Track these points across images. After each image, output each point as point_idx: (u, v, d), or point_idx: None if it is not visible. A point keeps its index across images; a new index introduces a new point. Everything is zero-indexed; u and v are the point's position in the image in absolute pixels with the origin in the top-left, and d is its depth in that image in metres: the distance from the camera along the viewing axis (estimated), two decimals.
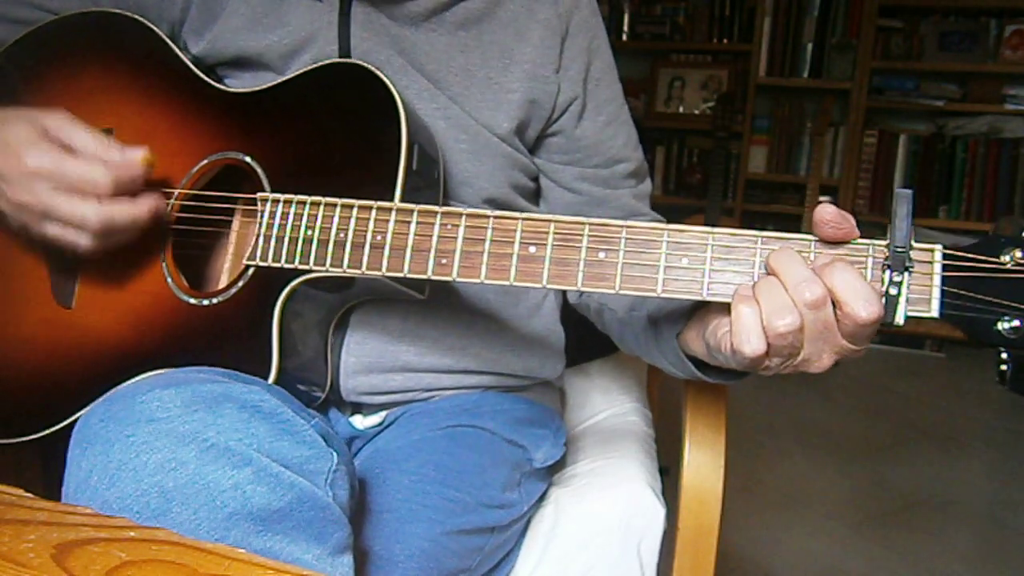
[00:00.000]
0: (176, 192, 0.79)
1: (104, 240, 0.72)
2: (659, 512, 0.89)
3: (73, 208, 0.69)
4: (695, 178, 3.77)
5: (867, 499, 2.24)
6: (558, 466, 0.99)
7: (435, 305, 0.81)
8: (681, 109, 3.79)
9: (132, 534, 0.46)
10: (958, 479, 2.39)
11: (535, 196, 0.94)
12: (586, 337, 1.03)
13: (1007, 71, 3.32)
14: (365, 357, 0.82)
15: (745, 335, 0.57)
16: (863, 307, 0.55)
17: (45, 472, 0.94)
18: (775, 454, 2.46)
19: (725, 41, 3.69)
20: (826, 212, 0.58)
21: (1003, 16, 3.32)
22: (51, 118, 0.72)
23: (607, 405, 1.19)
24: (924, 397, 3.02)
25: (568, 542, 0.88)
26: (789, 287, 0.56)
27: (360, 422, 0.87)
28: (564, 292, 0.99)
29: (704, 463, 0.89)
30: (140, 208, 0.72)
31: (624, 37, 3.78)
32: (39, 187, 0.69)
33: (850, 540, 2.02)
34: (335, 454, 0.61)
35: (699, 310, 0.69)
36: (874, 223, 3.44)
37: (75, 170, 0.69)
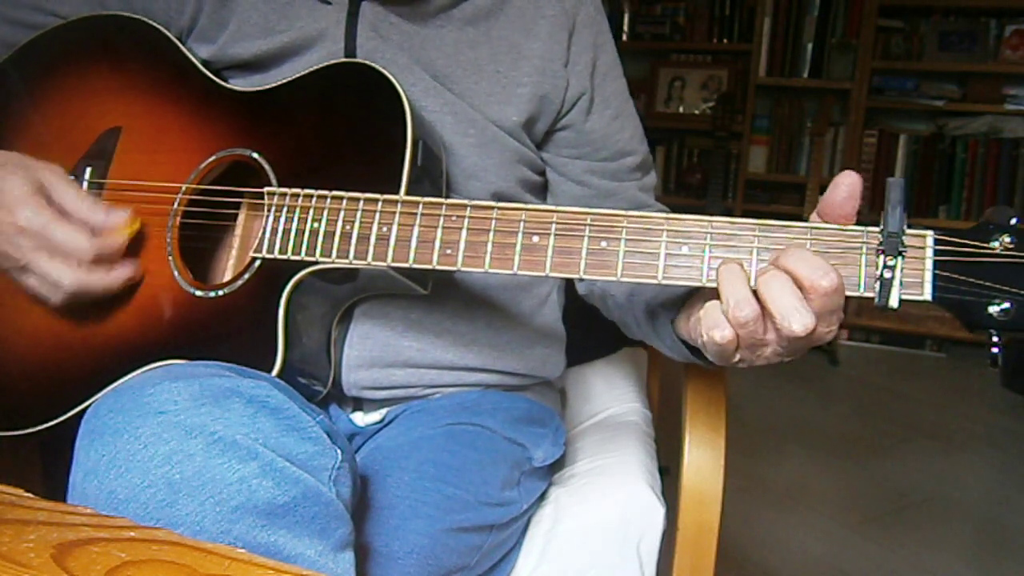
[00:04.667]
0: (184, 187, 0.80)
1: (75, 300, 0.75)
2: (659, 511, 0.89)
3: (51, 269, 0.72)
4: (695, 178, 3.77)
5: (867, 499, 2.24)
6: (558, 465, 0.99)
7: (439, 301, 0.82)
8: (681, 109, 3.80)
9: (132, 534, 0.46)
10: (958, 479, 2.39)
11: (541, 191, 0.95)
12: (587, 337, 1.03)
13: (1007, 71, 3.32)
14: (368, 351, 0.83)
15: (713, 320, 0.60)
16: (821, 276, 0.57)
17: (45, 472, 0.94)
18: (775, 454, 2.46)
19: (725, 41, 3.69)
20: (850, 177, 0.59)
21: (1003, 16, 3.32)
22: (47, 173, 0.75)
23: (607, 405, 1.19)
24: (924, 397, 3.02)
25: (568, 541, 0.88)
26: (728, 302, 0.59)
27: (361, 419, 0.88)
28: (567, 291, 1.00)
29: (704, 463, 0.89)
30: (114, 279, 0.75)
31: (624, 37, 3.78)
32: (23, 243, 0.72)
33: (850, 540, 2.02)
34: (339, 451, 0.62)
35: (691, 297, 0.71)
36: (874, 223, 3.43)
37: (59, 235, 0.72)
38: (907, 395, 3.05)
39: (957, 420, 2.83)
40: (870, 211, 3.49)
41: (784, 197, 3.64)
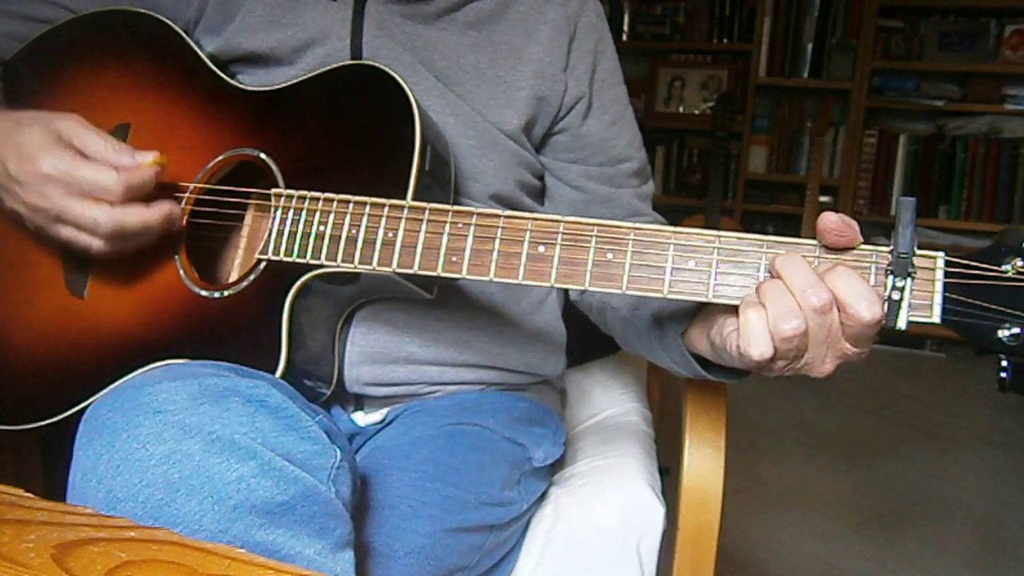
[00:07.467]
0: (191, 186, 0.80)
1: (117, 243, 0.73)
2: (658, 511, 0.89)
3: (85, 212, 0.70)
4: (695, 178, 3.77)
5: (867, 499, 2.24)
6: (558, 466, 0.99)
7: (440, 299, 0.82)
8: (681, 109, 3.80)
9: (132, 534, 0.46)
10: (958, 479, 2.39)
11: (540, 195, 0.95)
12: (587, 337, 1.03)
13: (1007, 71, 3.32)
14: (369, 348, 0.83)
15: (752, 338, 0.58)
16: (866, 308, 0.56)
17: (45, 472, 0.94)
18: (775, 454, 2.46)
19: (725, 41, 3.69)
20: (829, 221, 0.58)
21: (1003, 16, 3.32)
22: (64, 121, 0.73)
23: (607, 405, 1.19)
24: (924, 397, 3.02)
25: (568, 541, 0.88)
26: (795, 292, 0.57)
27: (362, 419, 0.88)
28: (566, 292, 1.00)
29: (704, 463, 0.89)
30: (152, 213, 0.74)
31: (624, 37, 3.78)
32: (52, 191, 0.70)
33: (850, 540, 2.02)
34: (338, 450, 0.62)
35: (704, 309, 0.70)
36: (874, 223, 3.45)
37: (87, 175, 0.70)
38: (907, 395, 3.05)
39: (957, 420, 2.83)
40: (870, 212, 3.49)
41: (784, 197, 3.64)
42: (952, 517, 2.17)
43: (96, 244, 0.72)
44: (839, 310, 0.57)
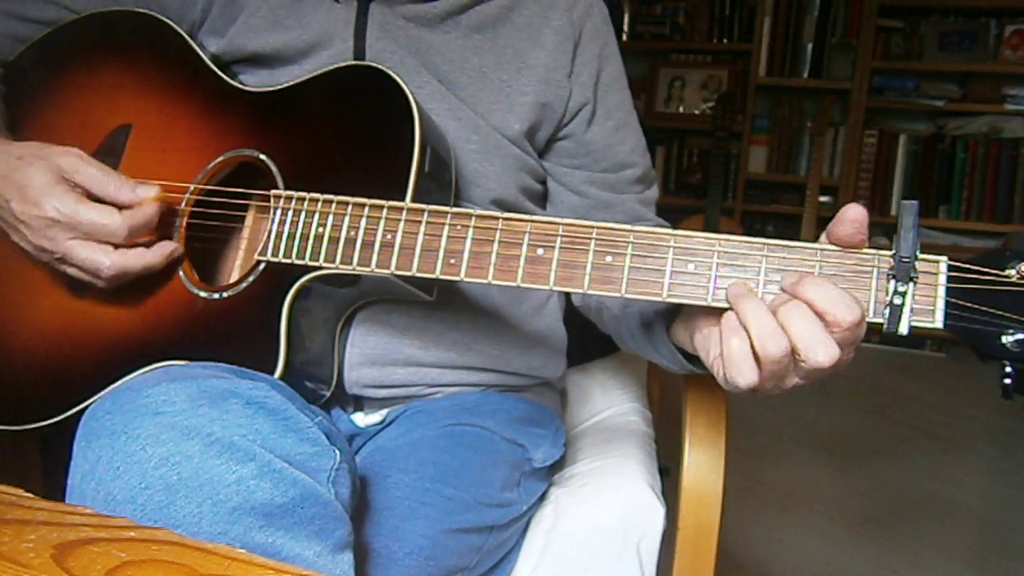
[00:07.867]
0: (191, 187, 0.80)
1: (119, 282, 0.75)
2: (658, 511, 0.89)
3: (89, 256, 0.72)
4: (695, 178, 3.77)
5: (867, 499, 2.24)
6: (558, 466, 0.99)
7: (440, 302, 0.82)
8: (681, 109, 3.80)
9: (132, 534, 0.46)
10: (958, 479, 2.38)
11: (542, 199, 0.95)
12: (587, 337, 1.03)
13: (1007, 71, 3.32)
14: (370, 350, 0.83)
15: (738, 367, 0.58)
16: (845, 311, 0.55)
17: (45, 472, 0.94)
18: (775, 454, 2.46)
19: (725, 41, 3.69)
20: (856, 212, 0.58)
21: (1003, 16, 3.32)
22: (64, 158, 0.74)
23: (607, 405, 1.19)
24: (924, 397, 3.02)
25: (568, 542, 0.88)
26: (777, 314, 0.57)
27: (362, 420, 0.88)
28: (568, 293, 1.00)
29: (704, 463, 0.89)
30: (154, 256, 0.75)
31: (624, 37, 3.78)
32: (57, 234, 0.72)
33: (850, 540, 2.02)
34: (338, 452, 0.62)
35: (685, 308, 0.70)
36: (874, 223, 3.44)
37: (91, 218, 0.72)
38: (907, 395, 3.05)
39: (957, 420, 2.83)
40: (870, 212, 3.49)
41: (784, 197, 3.63)
42: (952, 517, 2.17)
43: (100, 282, 0.74)
44: (820, 318, 0.55)
